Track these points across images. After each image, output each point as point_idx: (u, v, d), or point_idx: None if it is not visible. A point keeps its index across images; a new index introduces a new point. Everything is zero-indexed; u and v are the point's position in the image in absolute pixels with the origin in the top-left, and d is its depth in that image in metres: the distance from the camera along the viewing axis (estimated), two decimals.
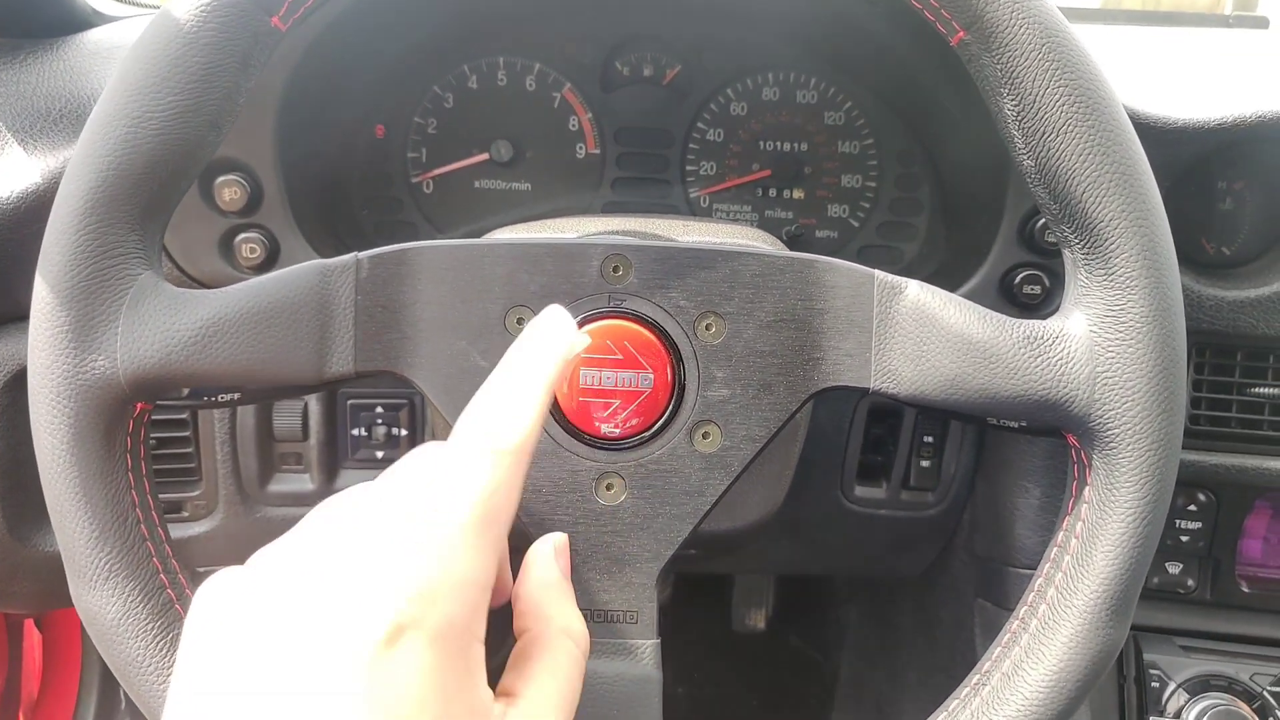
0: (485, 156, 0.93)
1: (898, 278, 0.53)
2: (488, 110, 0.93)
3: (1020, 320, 0.52)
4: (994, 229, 0.81)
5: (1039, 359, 0.51)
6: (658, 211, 0.94)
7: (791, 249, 0.91)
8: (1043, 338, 0.51)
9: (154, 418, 0.54)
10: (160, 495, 0.53)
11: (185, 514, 0.90)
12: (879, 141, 0.93)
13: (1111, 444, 0.50)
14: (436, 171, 0.94)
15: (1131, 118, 0.74)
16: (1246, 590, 0.90)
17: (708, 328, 0.53)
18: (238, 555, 0.98)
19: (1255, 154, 0.79)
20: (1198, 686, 0.87)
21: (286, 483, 0.90)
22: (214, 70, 0.49)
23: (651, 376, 0.52)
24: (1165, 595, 0.91)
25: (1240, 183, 0.82)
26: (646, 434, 0.53)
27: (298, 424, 0.88)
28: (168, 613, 0.50)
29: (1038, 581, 0.53)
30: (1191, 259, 0.84)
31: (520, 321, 0.52)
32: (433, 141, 0.93)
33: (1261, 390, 0.82)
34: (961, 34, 0.51)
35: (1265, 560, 0.91)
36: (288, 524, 0.92)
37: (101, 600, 0.49)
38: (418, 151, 0.93)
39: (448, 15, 0.88)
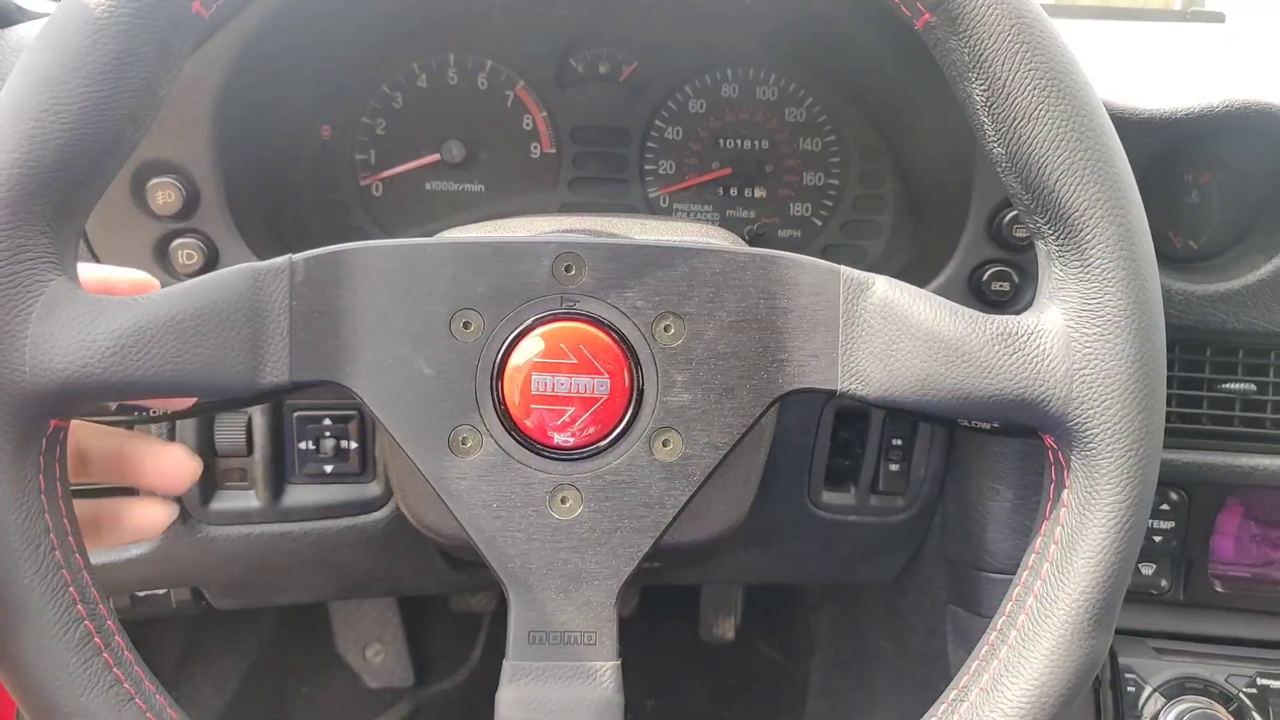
0: (436, 157, 0.89)
1: (864, 273, 0.50)
2: (439, 109, 0.89)
3: (993, 316, 0.50)
4: (960, 224, 0.79)
5: (1014, 356, 0.48)
6: (616, 212, 0.91)
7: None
8: (1017, 334, 0.49)
9: None
10: None
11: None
12: (841, 138, 0.91)
13: (1091, 444, 0.48)
14: (386, 173, 0.90)
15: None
16: (1220, 590, 0.89)
17: (666, 329, 0.50)
18: (178, 578, 0.94)
19: (1221, 146, 0.78)
20: (1174, 690, 0.86)
21: (230, 500, 0.85)
22: (130, 59, 0.45)
23: (608, 382, 0.49)
24: (1139, 597, 0.89)
25: (1207, 175, 0.81)
26: (603, 443, 0.50)
27: (241, 438, 0.83)
28: (85, 646, 0.46)
29: (1016, 590, 0.51)
30: (1159, 252, 0.81)
31: (467, 325, 0.49)
32: (381, 142, 0.90)
33: (1232, 386, 0.81)
34: (927, 16, 0.49)
35: (1238, 559, 0.90)
36: (231, 543, 0.89)
37: (10, 633, 0.45)
38: (366, 153, 0.90)
39: (396, 11, 0.85)
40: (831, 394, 0.50)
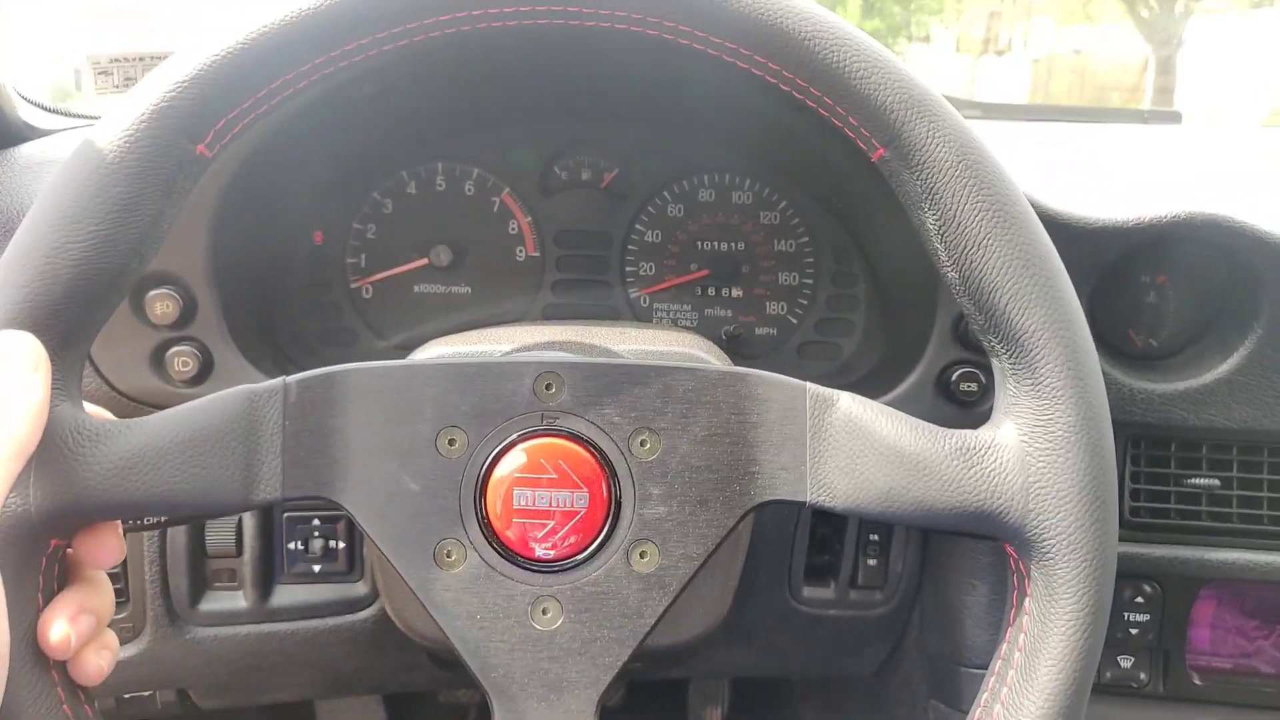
0: (425, 261, 0.93)
1: (829, 390, 0.53)
2: (427, 215, 0.93)
3: (952, 431, 0.52)
4: (929, 327, 0.82)
5: (972, 470, 0.51)
6: (598, 313, 0.94)
7: (730, 348, 0.92)
8: (975, 448, 0.51)
9: None
10: None
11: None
12: (814, 239, 0.94)
13: (1048, 555, 0.50)
14: (376, 277, 0.93)
15: (1054, 218, 0.77)
16: (1199, 682, 0.90)
17: (642, 444, 0.52)
18: (165, 680, 0.94)
19: (1174, 251, 0.81)
20: None
21: (218, 601, 0.86)
22: (137, 199, 0.48)
23: (587, 495, 0.52)
24: (1119, 690, 0.90)
25: (1163, 277, 0.84)
26: (582, 555, 0.52)
27: (231, 540, 0.85)
28: None
29: (983, 696, 0.53)
30: (1121, 351, 0.85)
31: (452, 443, 0.52)
32: (372, 247, 0.93)
33: (1197, 481, 0.83)
34: (881, 151, 0.52)
35: (1215, 649, 0.91)
36: (218, 644, 0.89)
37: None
38: (357, 257, 0.93)
39: (385, 124, 0.88)
40: (801, 505, 0.52)
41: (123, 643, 0.86)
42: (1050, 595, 0.50)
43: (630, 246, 0.94)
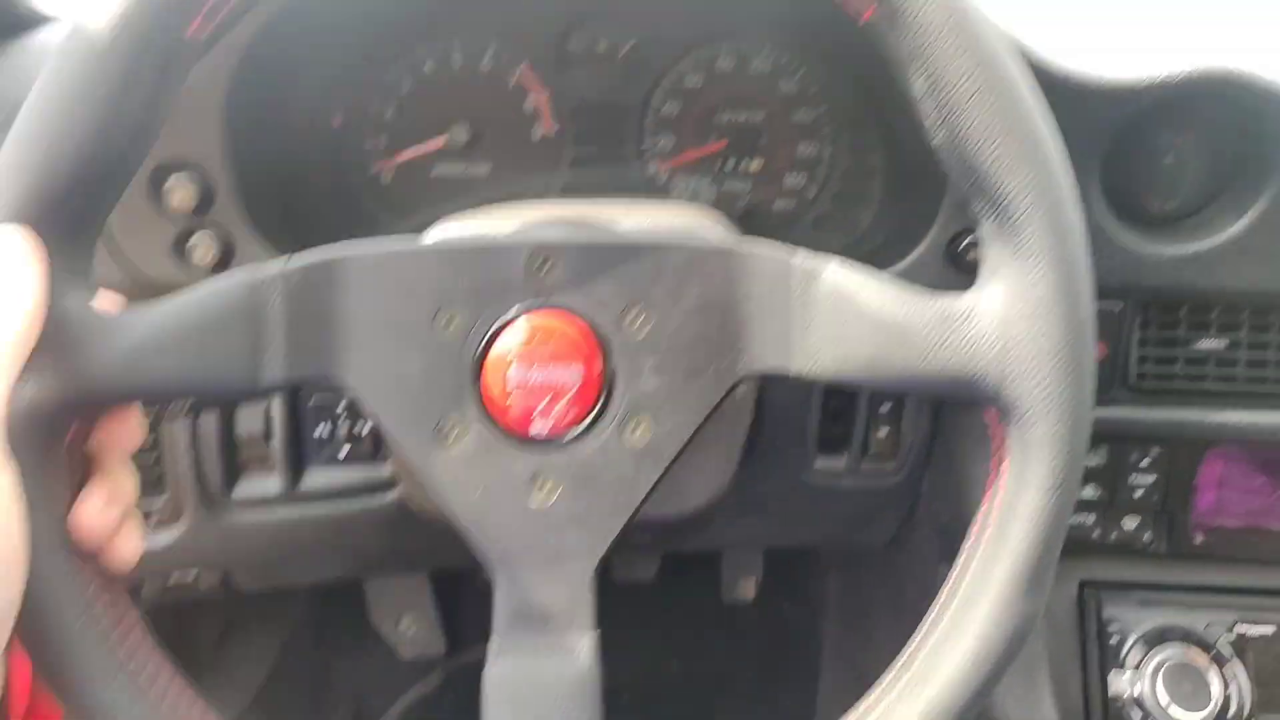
0: (443, 141, 0.93)
1: (816, 259, 0.53)
2: (444, 94, 0.93)
3: (936, 296, 0.53)
4: (939, 195, 0.82)
5: (952, 336, 0.51)
6: (617, 189, 0.94)
7: (745, 224, 0.93)
8: (955, 315, 0.51)
9: None
10: None
11: (152, 521, 0.89)
12: (833, 108, 0.93)
13: (1023, 417, 0.50)
14: (394, 159, 0.94)
15: (1062, 79, 0.75)
16: (1200, 541, 0.92)
17: (635, 317, 0.53)
18: (207, 561, 0.98)
19: (1191, 109, 0.80)
20: (1155, 638, 0.89)
21: (251, 486, 0.89)
22: (130, 84, 0.48)
23: (580, 370, 0.53)
24: (1124, 550, 0.93)
25: (1182, 138, 0.83)
26: (577, 429, 0.53)
27: (260, 427, 0.88)
28: (107, 646, 0.49)
29: (962, 558, 0.54)
30: (1136, 215, 0.85)
31: (449, 323, 0.53)
32: (391, 128, 0.93)
33: (1205, 345, 0.84)
34: (870, 11, 0.51)
35: (1221, 509, 0.93)
36: (256, 529, 0.93)
37: (39, 637, 0.48)
38: (375, 139, 0.94)
39: (398, 2, 0.88)
40: (786, 375, 0.53)
41: (161, 527, 0.90)
42: (1024, 458, 0.51)
43: (648, 120, 0.94)
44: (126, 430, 0.53)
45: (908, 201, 0.91)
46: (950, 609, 0.52)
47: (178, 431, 0.88)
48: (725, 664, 1.52)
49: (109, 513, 0.51)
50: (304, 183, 0.93)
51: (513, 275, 0.53)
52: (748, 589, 1.48)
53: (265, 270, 0.52)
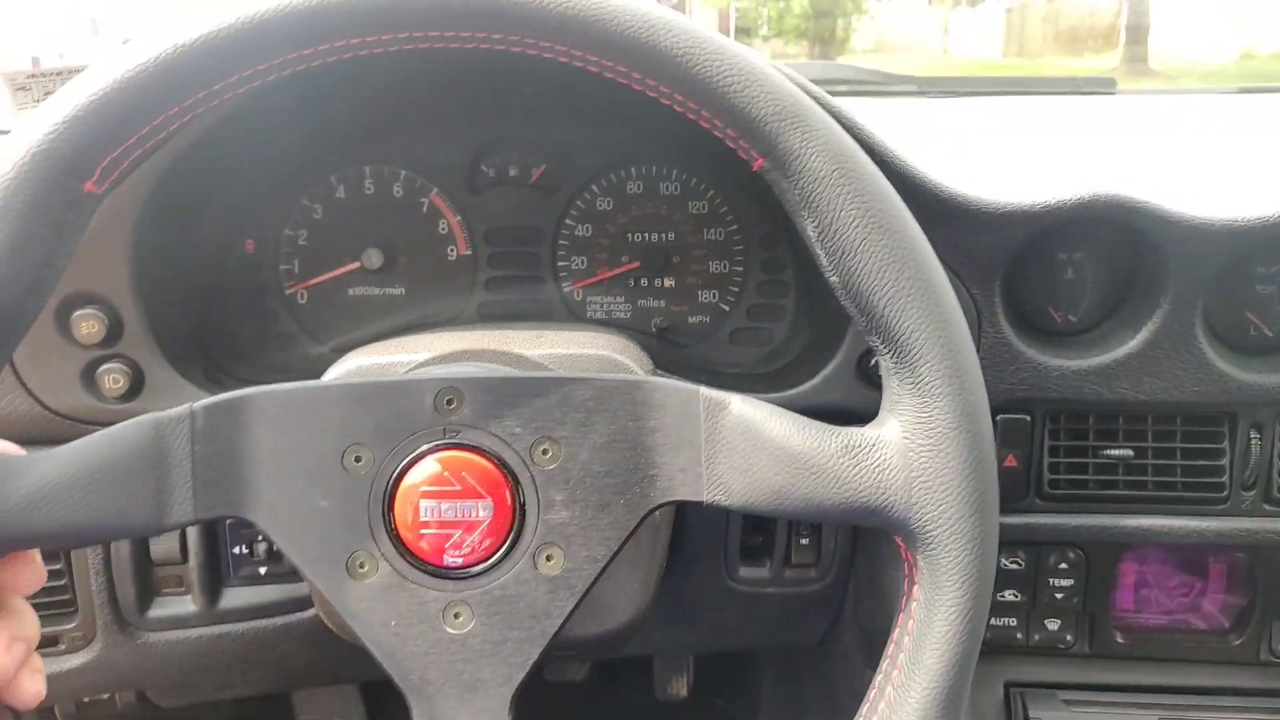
0: (357, 265, 0.94)
1: (721, 393, 0.55)
2: (357, 218, 0.94)
3: (839, 429, 0.54)
4: (847, 314, 0.83)
5: (858, 467, 0.53)
6: (532, 309, 0.95)
7: (663, 338, 0.94)
8: (860, 446, 0.54)
9: None
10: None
11: (62, 646, 0.88)
12: (742, 227, 0.95)
13: (931, 545, 0.53)
14: (310, 282, 0.94)
15: (963, 203, 0.78)
16: (1122, 640, 0.93)
17: (544, 452, 0.54)
18: (120, 683, 0.96)
19: (1085, 230, 0.83)
20: None
21: (167, 607, 0.88)
22: (26, 241, 0.49)
23: (490, 504, 0.54)
24: (1047, 651, 0.94)
25: (1079, 254, 0.86)
26: (490, 561, 0.54)
27: (176, 548, 0.87)
28: None
29: (878, 678, 0.55)
30: (1042, 329, 0.87)
31: (358, 459, 0.53)
32: (304, 252, 0.94)
33: (1112, 452, 0.86)
34: (760, 161, 0.54)
35: (1140, 609, 0.94)
36: (170, 647, 0.92)
37: None
38: (290, 263, 0.94)
39: (308, 130, 0.89)
40: (699, 505, 0.54)
41: (74, 651, 0.88)
42: (935, 583, 0.53)
43: (561, 241, 0.96)
44: (27, 573, 0.53)
45: (819, 315, 0.93)
46: None
47: (89, 554, 0.86)
48: None
49: (11, 653, 0.51)
50: (218, 306, 0.92)
51: (421, 413, 0.53)
52: (680, 687, 1.47)
53: (171, 411, 0.52)
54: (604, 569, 0.55)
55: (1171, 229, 0.78)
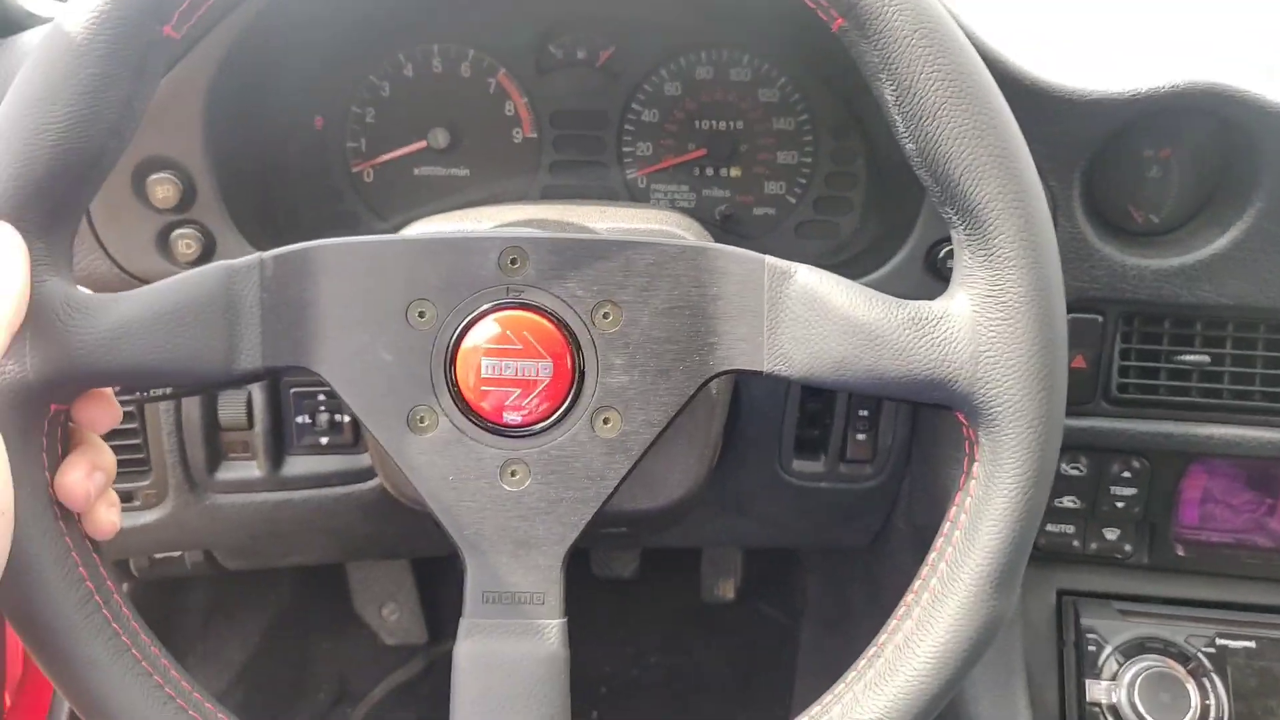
0: (423, 144, 0.93)
1: (787, 262, 0.54)
2: (424, 97, 0.93)
3: (906, 301, 0.53)
4: (919, 203, 0.81)
5: (923, 339, 0.52)
6: (595, 194, 0.94)
7: (724, 229, 0.93)
8: (927, 318, 0.52)
9: None
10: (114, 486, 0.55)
11: (137, 503, 0.92)
12: (813, 116, 0.93)
13: (995, 421, 0.52)
14: (376, 160, 0.94)
15: (1045, 89, 0.75)
16: (1182, 554, 0.91)
17: (605, 316, 0.54)
18: (189, 542, 1.01)
19: (1175, 123, 0.79)
20: (1133, 649, 0.89)
21: (234, 470, 0.91)
22: (108, 80, 0.49)
23: (551, 365, 0.54)
24: (1103, 560, 0.92)
25: (1167, 151, 0.82)
26: (549, 421, 0.54)
27: (242, 413, 0.89)
28: (87, 605, 0.51)
29: (931, 555, 0.55)
30: (1121, 228, 0.84)
31: (422, 315, 0.54)
32: (371, 130, 0.94)
33: (1188, 358, 0.83)
34: (840, 21, 0.52)
35: (1201, 524, 0.92)
36: (236, 510, 0.95)
37: (22, 592, 0.50)
38: (356, 141, 0.94)
39: (379, 5, 0.88)
40: (757, 374, 0.54)
41: (148, 508, 0.92)
42: (995, 460, 0.52)
43: (627, 126, 0.94)
44: (104, 411, 0.55)
45: (888, 209, 0.91)
46: (921, 603, 0.53)
47: (162, 416, 0.89)
48: (704, 661, 1.53)
49: (90, 481, 0.52)
50: (285, 181, 0.93)
51: (485, 271, 0.53)
52: (727, 589, 1.49)
53: (242, 260, 0.52)
54: (660, 434, 0.55)
55: (1271, 120, 0.74)
